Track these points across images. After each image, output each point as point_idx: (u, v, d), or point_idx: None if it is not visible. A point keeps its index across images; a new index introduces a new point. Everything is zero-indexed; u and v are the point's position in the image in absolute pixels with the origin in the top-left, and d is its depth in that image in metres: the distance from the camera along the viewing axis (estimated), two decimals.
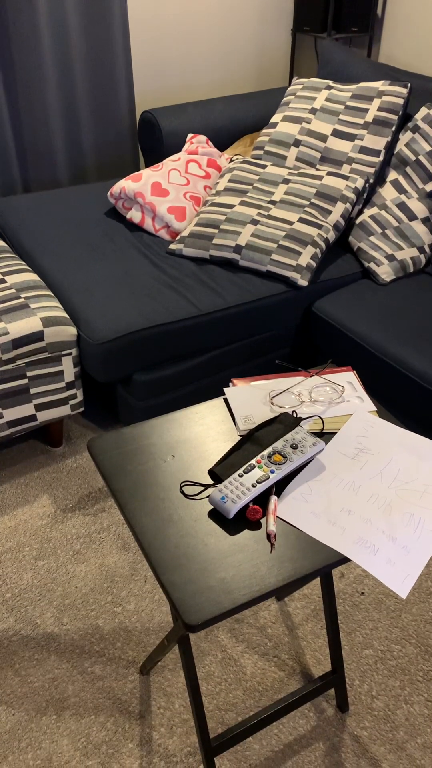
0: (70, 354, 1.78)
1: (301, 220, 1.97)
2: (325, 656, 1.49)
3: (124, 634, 1.52)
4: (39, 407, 1.81)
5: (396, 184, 2.10)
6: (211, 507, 0.92)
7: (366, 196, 2.13)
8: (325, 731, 1.36)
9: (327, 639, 1.49)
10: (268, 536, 0.87)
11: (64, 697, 1.41)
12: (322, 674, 1.34)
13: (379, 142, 2.09)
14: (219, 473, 0.96)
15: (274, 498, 0.92)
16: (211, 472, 0.97)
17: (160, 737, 1.34)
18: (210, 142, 2.34)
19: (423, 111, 2.06)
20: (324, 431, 1.05)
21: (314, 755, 1.32)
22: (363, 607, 1.59)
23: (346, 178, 2.05)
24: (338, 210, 2.01)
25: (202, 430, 1.05)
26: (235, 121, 2.48)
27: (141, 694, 1.41)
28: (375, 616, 1.57)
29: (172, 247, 2.03)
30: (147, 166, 2.56)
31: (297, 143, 2.19)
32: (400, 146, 2.11)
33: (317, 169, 2.12)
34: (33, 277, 1.87)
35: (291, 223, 1.96)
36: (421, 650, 1.50)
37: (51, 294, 1.83)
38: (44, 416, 1.84)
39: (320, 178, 2.06)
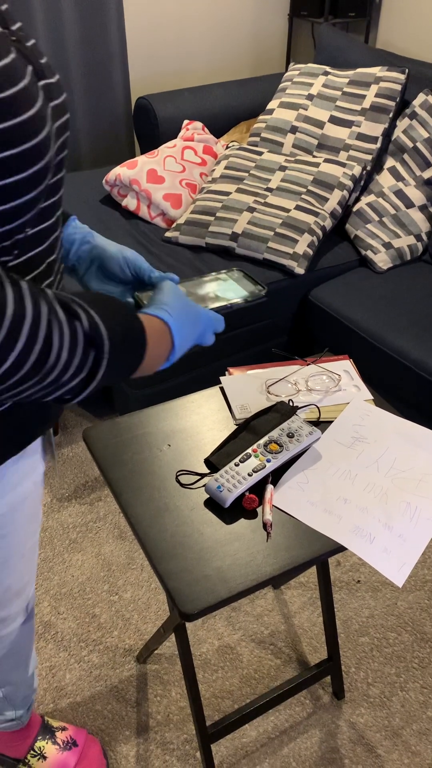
0: None
1: (297, 207, 1.95)
2: (321, 644, 1.49)
3: (121, 623, 1.53)
4: None
5: (393, 171, 2.09)
6: (207, 496, 0.91)
7: (363, 184, 2.11)
8: (322, 718, 1.36)
9: (323, 627, 1.50)
10: (265, 525, 0.87)
11: (62, 685, 1.41)
12: (319, 662, 1.35)
13: (377, 129, 2.08)
14: (215, 462, 0.95)
15: (270, 487, 0.91)
16: (207, 461, 0.97)
17: (157, 725, 1.35)
18: (206, 129, 2.32)
19: (421, 97, 2.05)
20: (320, 420, 1.04)
21: (310, 742, 1.32)
22: (359, 595, 1.59)
23: (343, 165, 2.04)
24: (335, 197, 1.99)
25: (198, 419, 1.05)
26: (232, 107, 2.46)
27: (138, 682, 1.42)
28: (371, 604, 1.57)
29: (168, 234, 2.01)
30: (142, 152, 2.54)
31: (294, 130, 2.17)
32: (398, 133, 2.09)
33: (314, 156, 2.10)
34: None
35: (288, 210, 1.95)
36: (416, 638, 1.50)
37: None
38: None
39: (317, 165, 2.04)
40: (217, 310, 0.85)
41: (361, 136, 2.09)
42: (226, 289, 0.89)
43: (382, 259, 2.00)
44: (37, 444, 0.82)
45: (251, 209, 1.96)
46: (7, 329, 0.51)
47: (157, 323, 0.69)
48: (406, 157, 2.07)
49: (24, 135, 0.51)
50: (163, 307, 0.71)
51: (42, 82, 0.57)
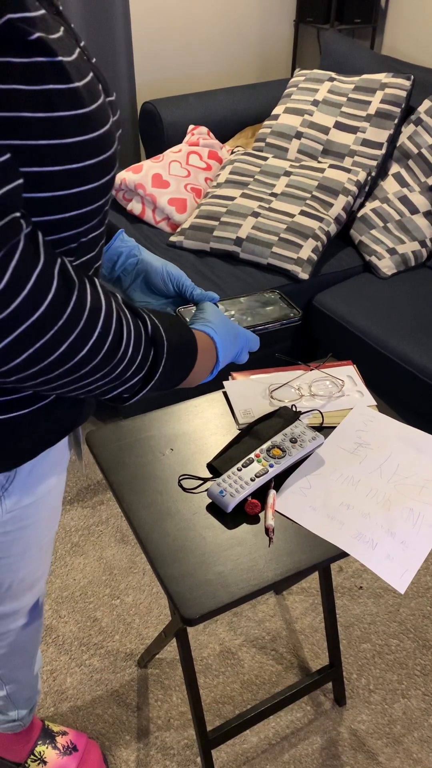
0: None
1: (302, 212, 1.96)
2: (322, 650, 1.49)
3: (122, 627, 1.52)
4: None
5: (398, 177, 2.09)
6: (210, 501, 0.91)
7: (368, 189, 2.12)
8: (323, 725, 1.36)
9: (325, 633, 1.49)
10: (267, 530, 0.87)
11: (63, 689, 1.41)
12: (320, 668, 1.34)
13: (382, 135, 2.08)
14: (218, 467, 0.95)
15: (272, 492, 0.91)
16: (210, 466, 0.97)
17: (158, 730, 1.34)
18: (211, 134, 2.33)
19: (426, 103, 2.05)
20: (323, 425, 1.04)
21: (311, 748, 1.32)
22: (361, 602, 1.59)
23: (348, 170, 2.04)
24: (340, 203, 2.00)
25: (201, 424, 1.05)
26: (237, 112, 2.46)
27: (139, 686, 1.42)
28: (373, 611, 1.57)
29: (172, 239, 2.02)
30: (148, 157, 2.54)
31: (299, 135, 2.18)
32: (403, 139, 2.09)
33: (319, 162, 2.11)
34: None
35: (292, 215, 1.95)
36: (418, 645, 1.50)
37: None
38: None
39: (322, 170, 2.05)
40: (253, 330, 0.88)
41: (366, 142, 2.09)
42: (262, 310, 0.92)
43: (386, 265, 2.00)
44: (65, 438, 0.84)
45: (256, 214, 1.96)
46: (86, 319, 0.55)
47: (205, 338, 0.74)
48: (410, 163, 2.07)
49: (102, 147, 0.56)
50: (209, 325, 0.77)
51: (108, 99, 0.62)
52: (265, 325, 0.89)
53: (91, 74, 0.56)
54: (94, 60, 0.64)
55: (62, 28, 0.55)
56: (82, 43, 0.61)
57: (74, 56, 0.54)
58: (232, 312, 0.91)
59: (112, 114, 0.62)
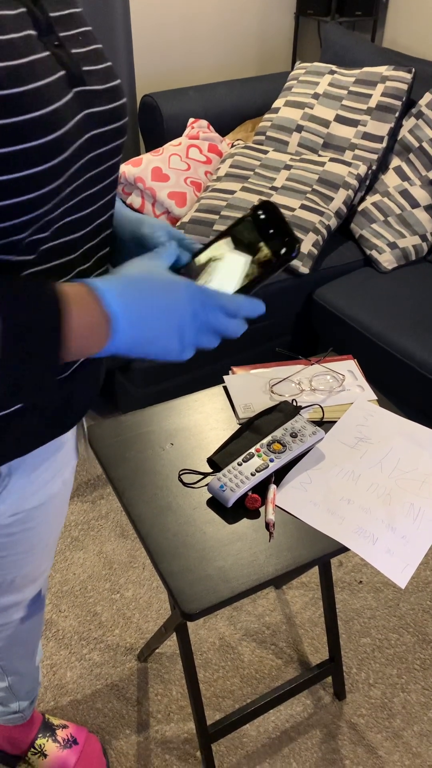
0: None
1: (302, 206, 1.95)
2: (322, 644, 1.49)
3: (122, 621, 1.52)
4: None
5: (399, 171, 2.08)
6: (210, 495, 0.91)
7: (368, 183, 2.11)
8: (322, 719, 1.36)
9: (325, 627, 1.49)
10: (267, 525, 0.87)
11: (63, 683, 1.41)
12: (320, 662, 1.34)
13: (383, 128, 2.07)
14: (218, 462, 0.95)
15: (273, 487, 0.91)
16: (210, 461, 0.97)
17: (158, 724, 1.35)
18: (211, 127, 2.31)
19: (427, 97, 2.04)
20: (324, 420, 1.04)
21: (311, 742, 1.32)
22: (361, 596, 1.59)
23: (348, 164, 2.03)
24: (340, 197, 1.99)
25: (202, 418, 1.05)
26: (237, 105, 2.45)
27: (139, 681, 1.42)
28: (373, 605, 1.57)
29: None
30: (147, 150, 2.53)
31: (299, 129, 2.17)
32: (404, 132, 2.08)
33: (319, 155, 2.10)
34: None
35: (292, 209, 1.94)
36: (418, 639, 1.50)
37: None
38: None
39: (322, 164, 2.04)
40: (245, 292, 0.64)
41: (366, 136, 2.08)
42: (252, 256, 0.65)
43: (386, 259, 1.99)
44: (70, 442, 0.83)
45: None
46: None
47: (79, 289, 0.56)
48: (411, 156, 2.06)
49: (34, 133, 0.52)
50: (108, 277, 0.59)
51: (78, 89, 0.58)
52: (258, 282, 0.64)
53: (31, 57, 0.53)
54: (86, 49, 0.60)
55: (21, 9, 0.53)
56: (67, 32, 0.59)
57: (7, 36, 0.51)
58: (211, 274, 0.66)
59: (90, 105, 0.59)
